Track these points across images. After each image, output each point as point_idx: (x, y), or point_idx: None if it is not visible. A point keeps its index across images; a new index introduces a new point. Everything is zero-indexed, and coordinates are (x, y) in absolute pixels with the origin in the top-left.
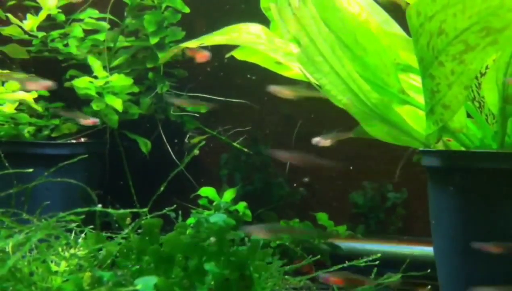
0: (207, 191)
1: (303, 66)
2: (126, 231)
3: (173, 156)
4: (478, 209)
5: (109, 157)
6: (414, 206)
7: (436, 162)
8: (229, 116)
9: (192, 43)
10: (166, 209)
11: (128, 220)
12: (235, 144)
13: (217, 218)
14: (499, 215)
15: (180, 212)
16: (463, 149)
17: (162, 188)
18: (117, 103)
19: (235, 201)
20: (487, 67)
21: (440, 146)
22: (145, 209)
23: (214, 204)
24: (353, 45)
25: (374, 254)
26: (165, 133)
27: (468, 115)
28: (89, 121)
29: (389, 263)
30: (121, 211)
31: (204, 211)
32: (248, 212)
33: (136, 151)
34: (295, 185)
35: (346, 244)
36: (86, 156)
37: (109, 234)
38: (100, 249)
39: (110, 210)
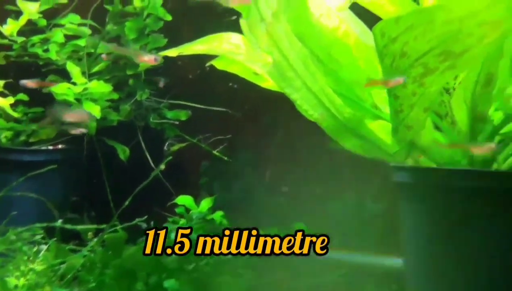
0: (184, 200)
1: (274, 81)
2: (91, 243)
3: (152, 163)
4: (447, 226)
5: (87, 164)
6: (392, 218)
7: (405, 177)
8: (210, 124)
9: (172, 52)
10: (137, 219)
11: (90, 234)
12: (215, 152)
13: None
14: (468, 232)
15: (152, 222)
16: (433, 164)
17: (128, 201)
18: (95, 110)
19: (214, 209)
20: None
21: (410, 161)
22: (115, 222)
23: (189, 213)
24: (327, 60)
25: (349, 265)
26: (145, 141)
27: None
28: (77, 131)
29: (363, 274)
30: (82, 226)
31: (180, 220)
32: (225, 221)
33: (115, 158)
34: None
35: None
36: (62, 162)
37: (76, 246)
38: (64, 262)
39: (68, 226)
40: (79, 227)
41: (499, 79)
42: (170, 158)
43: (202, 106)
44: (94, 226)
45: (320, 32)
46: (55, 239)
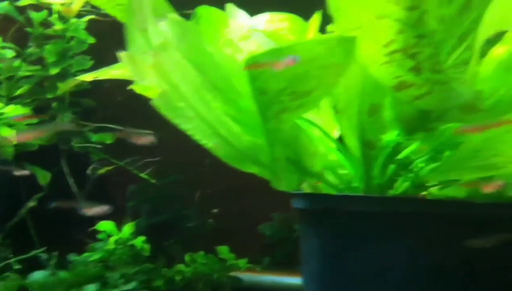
0: (104, 225)
1: (163, 112)
2: None
3: (74, 188)
4: (342, 252)
5: (7, 190)
6: None
7: (302, 204)
8: (138, 147)
9: (88, 76)
10: (34, 251)
11: None
12: (143, 175)
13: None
14: (363, 257)
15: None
16: (332, 190)
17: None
18: (11, 135)
19: (141, 233)
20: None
21: (308, 188)
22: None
23: (110, 238)
24: (227, 89)
25: (277, 286)
26: (71, 165)
27: None
28: None
29: None
30: None
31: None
32: (147, 246)
33: (37, 184)
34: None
35: (250, 277)
36: None
37: None
38: None
39: None
40: None
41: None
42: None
43: (128, 129)
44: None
45: (220, 61)
46: None
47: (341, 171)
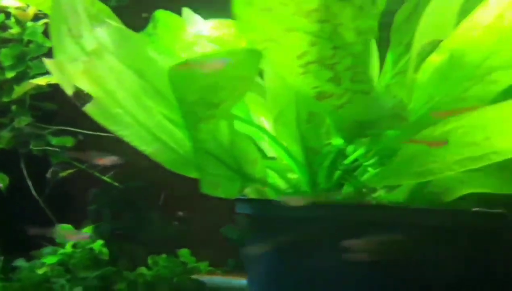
0: (63, 229)
1: (97, 119)
2: None
3: (33, 192)
4: (282, 257)
5: None
6: None
7: (243, 209)
8: (101, 150)
9: (41, 80)
10: None
11: None
12: (105, 178)
13: None
14: (303, 263)
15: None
16: (277, 195)
17: None
18: None
19: (103, 237)
20: None
21: (253, 193)
22: None
23: (69, 242)
24: (170, 95)
25: (243, 289)
26: (29, 168)
27: None
28: None
29: None
30: None
31: (60, 249)
32: (105, 250)
33: None
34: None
35: (214, 280)
36: None
37: None
38: None
39: None
40: None
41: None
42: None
43: (90, 132)
44: None
45: (164, 67)
46: None
47: (292, 175)
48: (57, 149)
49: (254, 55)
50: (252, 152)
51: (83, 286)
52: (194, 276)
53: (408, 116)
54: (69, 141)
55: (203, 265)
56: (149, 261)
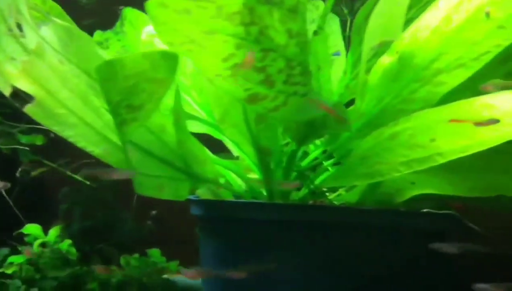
0: (31, 228)
1: (38, 119)
2: None
3: (3, 191)
4: (240, 259)
5: None
6: None
7: (196, 210)
8: (72, 149)
9: None
10: None
11: None
12: (77, 177)
13: None
14: (254, 264)
15: None
16: (232, 196)
17: None
18: None
19: (74, 236)
20: None
21: (208, 194)
22: None
23: (35, 242)
24: None
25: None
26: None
27: None
28: None
29: None
30: None
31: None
32: (73, 250)
33: None
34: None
35: (185, 280)
36: None
37: None
38: None
39: None
40: None
41: None
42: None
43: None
44: None
45: None
46: None
47: (253, 176)
48: (26, 148)
49: (170, 57)
50: (201, 152)
51: (54, 286)
52: (166, 276)
53: (348, 118)
54: (39, 139)
55: (173, 264)
56: (121, 260)
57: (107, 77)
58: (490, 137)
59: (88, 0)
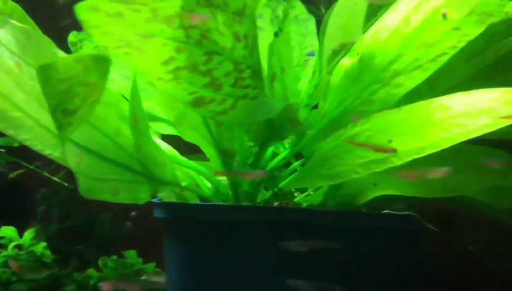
0: (6, 231)
1: None
2: None
3: None
4: (202, 260)
5: None
6: None
7: (161, 213)
8: None
9: None
10: None
11: None
12: (55, 178)
13: None
14: (224, 265)
15: None
16: (197, 198)
17: None
18: None
19: (51, 238)
20: None
21: (173, 197)
22: None
23: (10, 244)
24: None
25: None
26: None
27: None
28: None
29: None
30: None
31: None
32: (48, 252)
33: None
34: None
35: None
36: None
37: None
38: None
39: None
40: None
41: None
42: None
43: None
44: None
45: None
46: None
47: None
48: (2, 149)
49: (101, 61)
50: (160, 155)
51: (31, 288)
52: (144, 277)
53: (300, 120)
54: (16, 141)
55: (150, 266)
56: (99, 262)
57: (44, 81)
58: (443, 139)
59: (65, 0)
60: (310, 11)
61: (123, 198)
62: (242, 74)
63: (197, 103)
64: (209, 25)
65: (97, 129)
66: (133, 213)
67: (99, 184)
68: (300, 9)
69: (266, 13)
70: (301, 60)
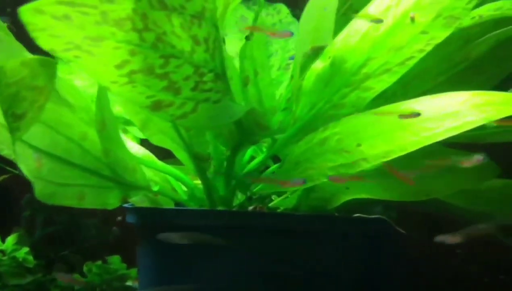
0: None
1: None
2: None
3: None
4: (165, 265)
5: None
6: None
7: (132, 218)
8: None
9: None
10: None
11: None
12: None
13: None
14: (196, 270)
15: None
16: (171, 203)
17: None
18: None
19: (36, 243)
20: None
21: (145, 202)
22: None
23: None
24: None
25: None
26: None
27: None
28: None
29: None
30: None
31: None
32: (30, 258)
33: None
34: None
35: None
36: None
37: None
38: None
39: None
40: None
41: None
42: None
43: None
44: None
45: None
46: None
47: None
48: None
49: (48, 65)
50: (131, 159)
51: None
52: (129, 283)
53: (267, 123)
54: None
55: (134, 271)
56: (84, 268)
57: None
58: (410, 142)
59: None
60: (294, 15)
61: (90, 203)
62: (204, 78)
63: (155, 107)
64: (164, 28)
65: (61, 133)
66: (120, 218)
67: (62, 189)
68: (284, 13)
69: (250, 17)
70: (283, 64)
